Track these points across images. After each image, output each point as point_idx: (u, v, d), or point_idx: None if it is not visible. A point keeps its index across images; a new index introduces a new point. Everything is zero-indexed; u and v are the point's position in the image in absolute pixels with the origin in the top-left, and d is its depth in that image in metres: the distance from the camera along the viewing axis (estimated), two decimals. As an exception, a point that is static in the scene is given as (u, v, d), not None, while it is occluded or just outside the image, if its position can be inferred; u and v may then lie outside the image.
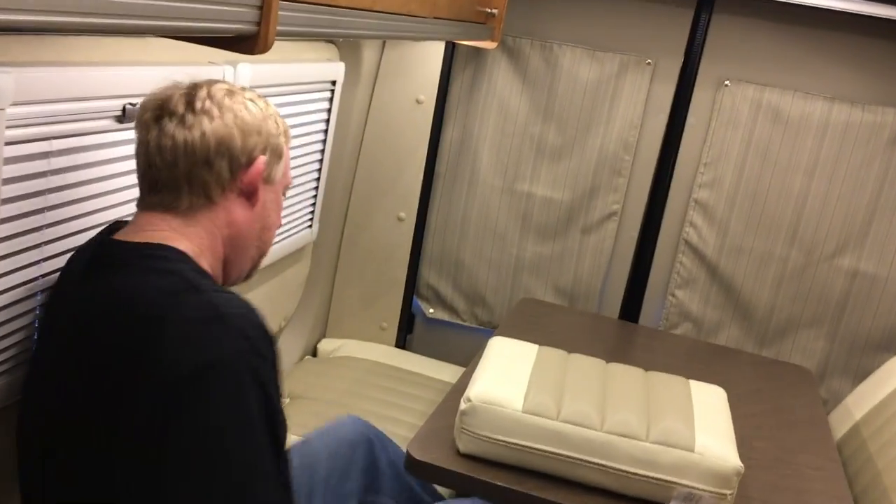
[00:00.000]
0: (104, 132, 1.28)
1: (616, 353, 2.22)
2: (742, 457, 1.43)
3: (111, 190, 1.33)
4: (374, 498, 1.62)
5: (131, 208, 1.36)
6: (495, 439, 1.43)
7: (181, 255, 1.09)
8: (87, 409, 1.02)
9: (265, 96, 1.22)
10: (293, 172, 2.09)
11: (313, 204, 2.23)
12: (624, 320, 2.48)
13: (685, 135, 2.36)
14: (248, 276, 1.26)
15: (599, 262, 2.47)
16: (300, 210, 2.17)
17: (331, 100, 2.14)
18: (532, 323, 2.22)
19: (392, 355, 2.47)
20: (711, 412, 1.51)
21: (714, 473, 1.38)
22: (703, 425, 1.45)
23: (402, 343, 2.60)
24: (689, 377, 1.64)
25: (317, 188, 2.22)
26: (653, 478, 1.39)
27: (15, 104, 1.07)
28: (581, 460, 1.41)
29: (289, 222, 2.12)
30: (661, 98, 2.35)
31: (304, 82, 1.97)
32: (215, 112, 1.11)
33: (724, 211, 2.35)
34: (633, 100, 2.35)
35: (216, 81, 1.16)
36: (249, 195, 1.16)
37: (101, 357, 1.02)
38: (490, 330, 2.44)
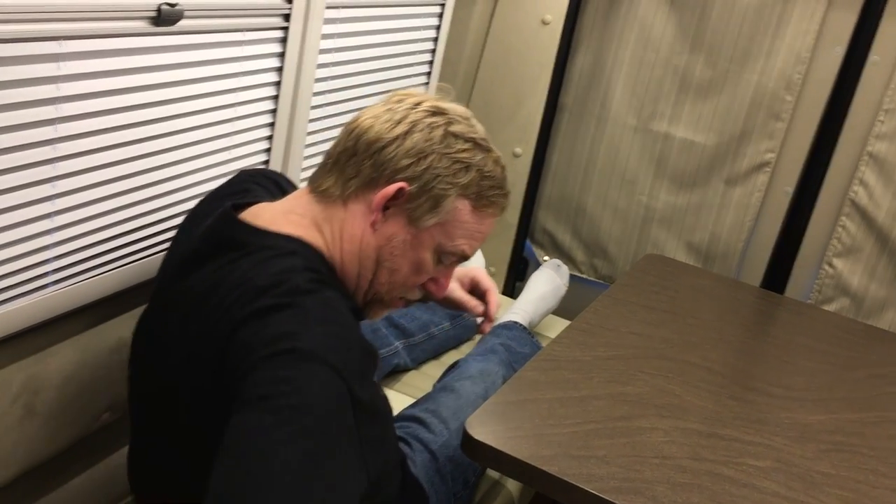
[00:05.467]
0: (131, 35, 1.11)
1: (752, 328, 1.90)
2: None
3: (140, 104, 1.17)
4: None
5: (166, 143, 1.22)
6: None
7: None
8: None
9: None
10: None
11: (416, 132, 2.02)
12: (766, 290, 2.13)
13: (865, 74, 1.94)
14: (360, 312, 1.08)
15: (744, 220, 2.13)
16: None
17: (440, 16, 1.91)
18: (654, 283, 1.93)
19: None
20: None
21: None
22: None
23: (510, 290, 2.38)
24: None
25: (420, 115, 2.01)
26: None
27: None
28: None
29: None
30: (838, 28, 1.94)
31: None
32: (399, 114, 1.03)
33: (904, 169, 1.94)
34: (802, 28, 1.96)
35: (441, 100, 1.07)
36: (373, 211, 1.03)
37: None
38: (608, 286, 2.16)
